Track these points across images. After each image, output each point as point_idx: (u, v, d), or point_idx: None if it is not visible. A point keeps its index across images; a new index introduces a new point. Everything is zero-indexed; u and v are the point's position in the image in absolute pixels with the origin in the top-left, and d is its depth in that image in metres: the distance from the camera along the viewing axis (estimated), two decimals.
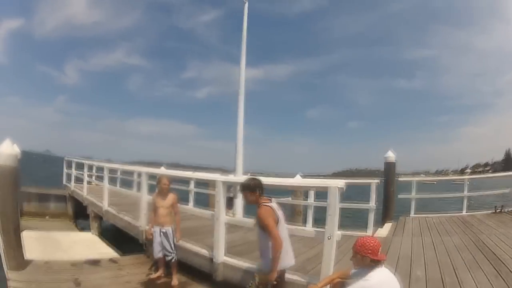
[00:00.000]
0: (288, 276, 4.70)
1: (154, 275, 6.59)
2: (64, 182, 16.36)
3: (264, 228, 4.10)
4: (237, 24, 11.42)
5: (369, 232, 8.82)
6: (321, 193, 8.99)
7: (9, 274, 6.18)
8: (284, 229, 4.30)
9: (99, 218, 11.38)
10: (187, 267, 6.63)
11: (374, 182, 9.23)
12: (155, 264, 6.83)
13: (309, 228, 8.32)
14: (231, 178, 8.67)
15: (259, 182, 4.42)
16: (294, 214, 11.77)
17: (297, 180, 9.06)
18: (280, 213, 4.29)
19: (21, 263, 6.54)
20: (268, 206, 4.21)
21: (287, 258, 4.25)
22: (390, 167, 11.62)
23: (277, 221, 4.15)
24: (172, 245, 6.32)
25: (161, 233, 6.32)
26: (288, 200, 11.40)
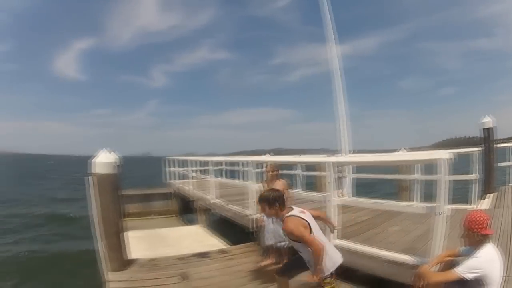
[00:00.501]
0: (397, 256, 4.69)
1: (264, 263, 6.44)
2: (167, 180, 16.80)
3: (298, 240, 3.78)
4: (314, 4, 11.03)
5: (473, 205, 8.24)
6: (427, 167, 8.78)
7: (110, 276, 6.31)
8: (318, 231, 3.96)
9: (206, 211, 11.50)
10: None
11: (476, 150, 8.60)
12: (266, 252, 6.63)
13: (417, 204, 7.68)
14: (340, 158, 8.39)
15: (279, 194, 4.05)
16: (400, 191, 11.10)
17: (401, 155, 8.55)
18: (307, 216, 3.96)
19: (123, 263, 6.70)
20: (292, 216, 3.88)
21: (333, 259, 3.88)
22: (488, 133, 10.55)
23: (308, 227, 3.82)
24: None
25: (273, 221, 6.09)
26: (393, 176, 10.77)
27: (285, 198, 4.07)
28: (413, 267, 4.29)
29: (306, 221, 3.85)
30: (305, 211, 4.03)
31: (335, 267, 3.85)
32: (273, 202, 3.94)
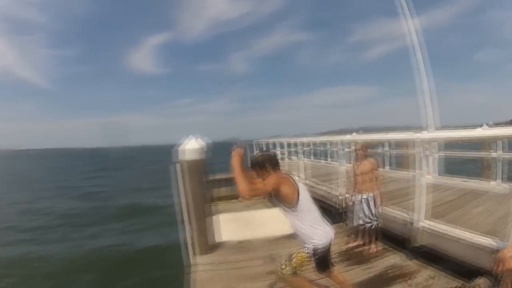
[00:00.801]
0: (478, 240, 4.49)
1: (352, 244, 6.46)
2: None
3: (277, 198, 3.70)
4: None
5: None
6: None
7: (198, 259, 6.52)
8: (308, 203, 3.76)
9: None
10: (385, 234, 6.32)
11: None
12: (354, 233, 6.64)
13: (499, 183, 7.49)
14: (428, 135, 8.11)
15: (270, 156, 3.90)
16: (482, 169, 10.59)
17: (484, 131, 8.13)
18: (301, 186, 3.79)
19: (210, 247, 6.91)
20: (281, 174, 3.78)
21: (322, 237, 3.68)
22: None
23: (294, 187, 3.66)
24: (373, 212, 6.05)
25: (362, 200, 6.13)
26: (474, 153, 10.23)
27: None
28: (493, 251, 4.12)
29: (292, 179, 3.76)
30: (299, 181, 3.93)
31: (322, 246, 3.69)
32: (262, 164, 3.78)
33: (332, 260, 4.15)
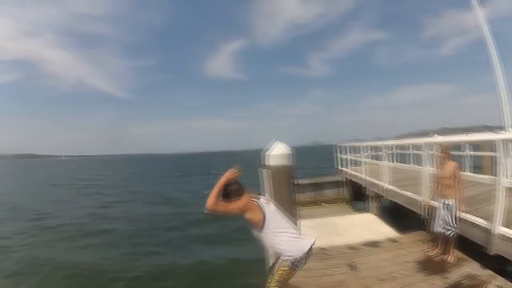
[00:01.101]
0: None
1: (431, 252, 6.27)
2: (338, 167, 16.59)
3: (248, 222, 4.04)
4: None
5: None
6: None
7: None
8: (277, 221, 4.06)
9: (378, 197, 11.27)
10: (464, 242, 6.07)
11: None
12: (434, 240, 6.41)
13: None
14: (510, 135, 7.60)
15: (235, 187, 4.08)
16: None
17: None
18: (269, 207, 4.13)
19: None
20: (248, 197, 4.07)
21: (296, 250, 3.92)
22: None
23: (257, 207, 3.99)
24: (454, 219, 5.83)
25: (444, 206, 5.94)
26: None
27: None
28: None
29: (258, 204, 4.01)
30: (269, 202, 4.25)
31: (295, 256, 3.87)
32: (227, 195, 4.03)
33: None
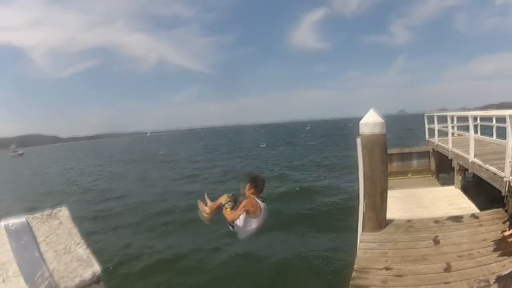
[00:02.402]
0: None
1: (507, 232, 6.27)
2: (426, 137, 16.10)
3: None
4: None
5: None
6: None
7: (363, 236, 6.98)
8: (258, 221, 5.04)
9: (463, 171, 11.16)
10: None
11: None
12: (510, 219, 6.51)
13: None
14: None
15: (257, 180, 5.16)
16: None
17: None
18: (264, 211, 5.07)
19: (380, 224, 7.27)
20: (252, 198, 5.02)
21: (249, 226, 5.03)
22: None
23: (257, 206, 4.95)
24: None
25: None
26: None
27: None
28: None
29: (261, 209, 5.00)
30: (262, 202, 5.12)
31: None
32: (252, 183, 5.09)
33: None
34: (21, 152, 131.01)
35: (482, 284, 4.80)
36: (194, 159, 45.99)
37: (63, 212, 1.11)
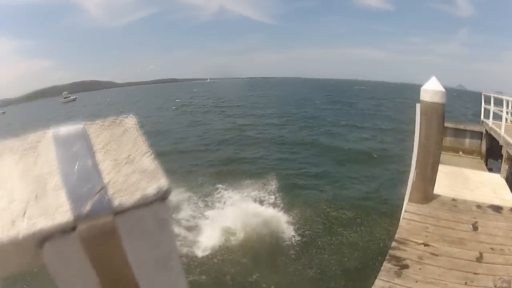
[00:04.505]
0: None
1: None
2: (481, 117, 15.63)
3: None
4: None
5: None
6: None
7: (408, 206, 7.17)
8: None
9: (511, 160, 11.06)
10: None
11: None
12: None
13: None
14: None
15: None
16: None
17: None
18: None
19: (427, 196, 7.45)
20: None
21: None
22: None
23: None
24: None
25: None
26: None
27: None
28: None
29: None
30: None
31: None
32: None
33: None
34: (74, 97, 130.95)
35: (505, 285, 4.94)
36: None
37: (130, 120, 0.82)
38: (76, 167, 0.68)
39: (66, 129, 0.74)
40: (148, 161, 0.75)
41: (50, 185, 0.66)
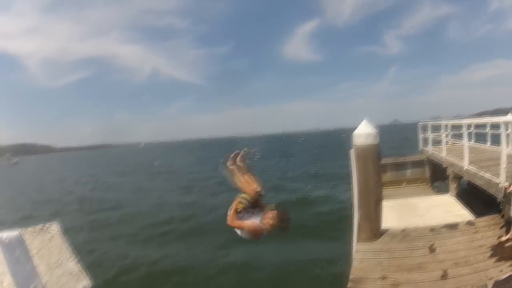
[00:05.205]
0: None
1: (504, 237, 6.21)
2: (420, 146, 16.29)
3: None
4: None
5: None
6: None
7: (358, 246, 6.91)
8: None
9: (457, 178, 11.22)
10: None
11: None
12: (507, 225, 6.45)
13: None
14: None
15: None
16: None
17: None
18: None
19: (375, 233, 7.22)
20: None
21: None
22: None
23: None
24: None
25: None
26: None
27: None
28: None
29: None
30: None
31: None
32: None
33: None
34: (16, 160, 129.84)
35: None
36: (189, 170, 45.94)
37: (54, 227, 1.15)
38: (22, 269, 1.04)
39: (7, 235, 1.09)
40: (73, 265, 1.26)
41: (6, 283, 1.00)
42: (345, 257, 7.90)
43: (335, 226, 13.26)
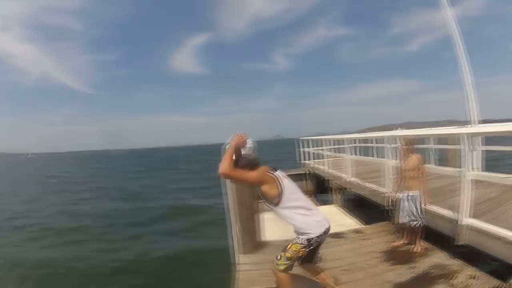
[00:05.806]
0: None
1: (397, 243, 6.36)
2: (300, 160, 16.70)
3: (262, 196, 3.92)
4: None
5: None
6: None
7: (241, 259, 6.56)
8: (295, 196, 3.87)
9: (341, 190, 11.45)
10: (430, 233, 6.22)
11: None
12: (399, 231, 6.57)
13: None
14: (475, 129, 8.10)
15: (250, 159, 3.93)
16: None
17: None
18: (286, 182, 3.85)
19: (257, 245, 6.94)
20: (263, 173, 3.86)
21: (315, 227, 3.81)
22: None
23: (274, 180, 3.78)
24: (419, 210, 5.95)
25: (408, 197, 6.06)
26: None
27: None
28: None
29: (276, 178, 3.80)
30: (286, 177, 3.97)
31: (312, 235, 3.76)
32: (243, 165, 3.83)
33: (318, 255, 4.40)
34: None
35: None
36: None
37: None
38: None
39: None
40: None
41: None
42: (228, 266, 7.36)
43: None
